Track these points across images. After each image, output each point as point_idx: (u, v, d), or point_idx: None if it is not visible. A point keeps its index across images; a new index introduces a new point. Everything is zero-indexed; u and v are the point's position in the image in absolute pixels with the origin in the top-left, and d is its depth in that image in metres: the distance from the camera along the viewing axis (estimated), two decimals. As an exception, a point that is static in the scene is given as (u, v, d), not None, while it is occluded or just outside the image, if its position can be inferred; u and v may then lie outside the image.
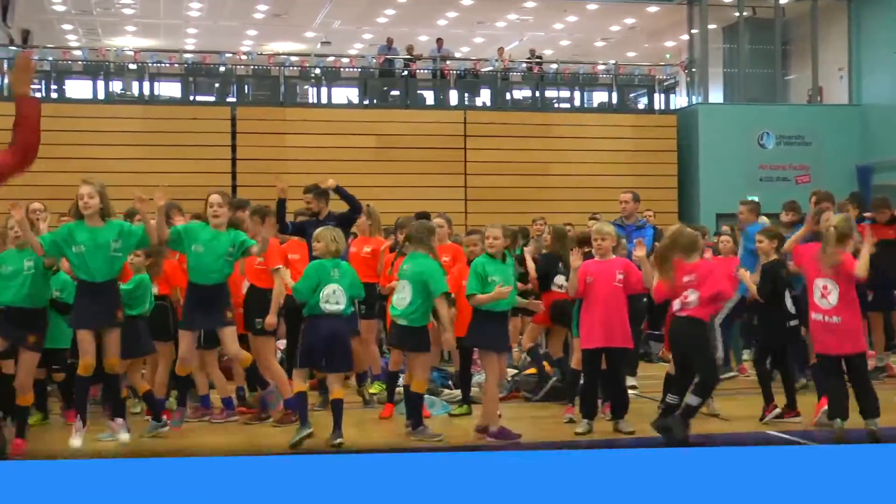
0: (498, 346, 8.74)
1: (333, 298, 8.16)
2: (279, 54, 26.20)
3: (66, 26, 33.58)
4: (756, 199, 14.42)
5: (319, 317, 8.14)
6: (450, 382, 11.00)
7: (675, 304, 8.39)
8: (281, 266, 9.37)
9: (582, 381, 9.27)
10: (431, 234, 8.93)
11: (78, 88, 23.35)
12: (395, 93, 24.20)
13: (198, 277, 8.42)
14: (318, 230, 8.55)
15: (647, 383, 11.61)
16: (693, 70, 25.80)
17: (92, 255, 7.95)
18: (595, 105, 25.84)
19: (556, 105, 25.35)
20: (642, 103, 25.70)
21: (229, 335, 8.50)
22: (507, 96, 24.48)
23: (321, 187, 10.77)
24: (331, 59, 25.79)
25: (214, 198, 8.54)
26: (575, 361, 9.62)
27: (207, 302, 8.39)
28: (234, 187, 21.70)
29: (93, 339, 8.02)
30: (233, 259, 8.49)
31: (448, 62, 25.33)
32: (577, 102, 25.36)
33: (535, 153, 23.26)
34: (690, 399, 8.16)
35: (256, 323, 9.27)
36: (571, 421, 9.39)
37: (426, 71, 25.30)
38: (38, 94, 23.08)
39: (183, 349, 8.59)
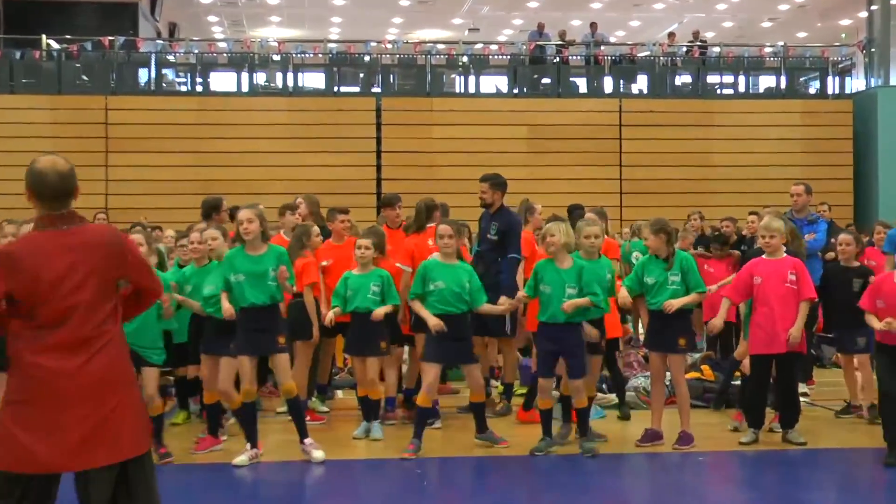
0: (657, 346, 8.81)
1: None
2: (425, 42, 26.45)
3: (212, 18, 34.65)
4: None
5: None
6: (604, 386, 10.95)
7: None
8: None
9: (749, 388, 9.16)
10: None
11: (223, 81, 24.04)
12: (546, 81, 24.14)
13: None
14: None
15: (819, 390, 11.31)
16: (872, 50, 24.94)
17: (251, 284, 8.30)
18: (761, 90, 25.22)
19: (718, 91, 24.87)
20: (814, 88, 24.99)
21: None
22: (666, 83, 24.15)
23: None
24: (479, 46, 25.91)
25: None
26: (743, 366, 9.51)
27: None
28: (378, 180, 22.00)
29: (253, 366, 8.47)
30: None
31: (602, 48, 25.13)
32: (741, 88, 24.81)
33: (696, 143, 22.88)
34: None
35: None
36: (737, 430, 9.27)
37: (579, 57, 25.15)
38: (181, 87, 23.87)
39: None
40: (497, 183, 10.45)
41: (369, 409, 9.33)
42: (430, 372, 8.60)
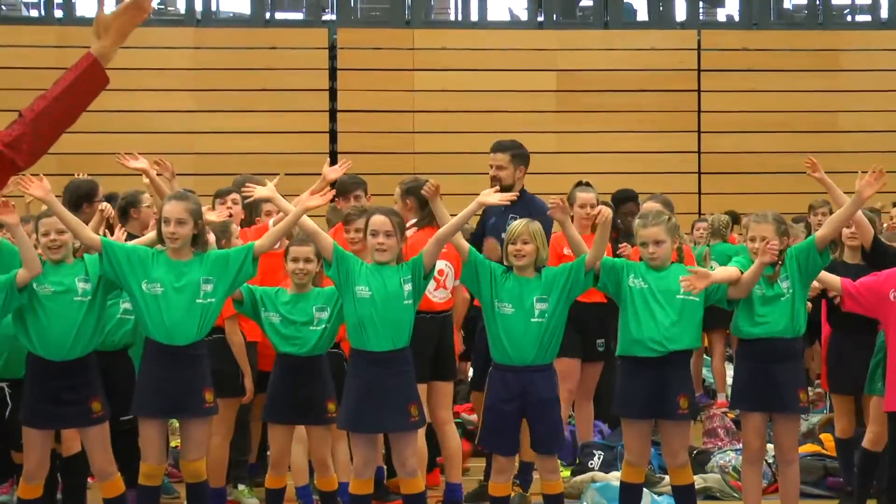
0: (754, 402, 8.97)
1: None
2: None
3: None
4: None
5: None
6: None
7: None
8: None
9: (891, 467, 9.24)
10: None
11: (94, 4, 24.03)
12: (586, 3, 24.17)
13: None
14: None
15: None
16: None
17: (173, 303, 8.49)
18: (914, 18, 25.31)
19: (848, 18, 24.90)
20: None
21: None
22: (769, 6, 24.17)
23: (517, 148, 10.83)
24: (484, -50, 25.98)
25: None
26: (870, 437, 9.64)
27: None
28: (332, 153, 21.98)
29: (160, 433, 8.77)
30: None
31: (672, -48, 25.22)
32: (883, 13, 24.85)
33: (814, 97, 22.93)
34: None
35: None
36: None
37: (636, -32, 25.24)
38: (32, 12, 23.86)
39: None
40: (520, 155, 10.72)
41: None
42: (357, 445, 8.82)
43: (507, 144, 10.77)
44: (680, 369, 8.95)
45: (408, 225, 10.20)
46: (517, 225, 8.92)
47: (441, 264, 9.96)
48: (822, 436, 11.45)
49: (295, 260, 9.13)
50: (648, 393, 8.80)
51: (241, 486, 10.58)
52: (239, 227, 10.48)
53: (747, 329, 8.91)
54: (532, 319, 8.70)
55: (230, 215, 10.32)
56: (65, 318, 8.41)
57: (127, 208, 10.83)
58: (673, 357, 8.84)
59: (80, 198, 10.90)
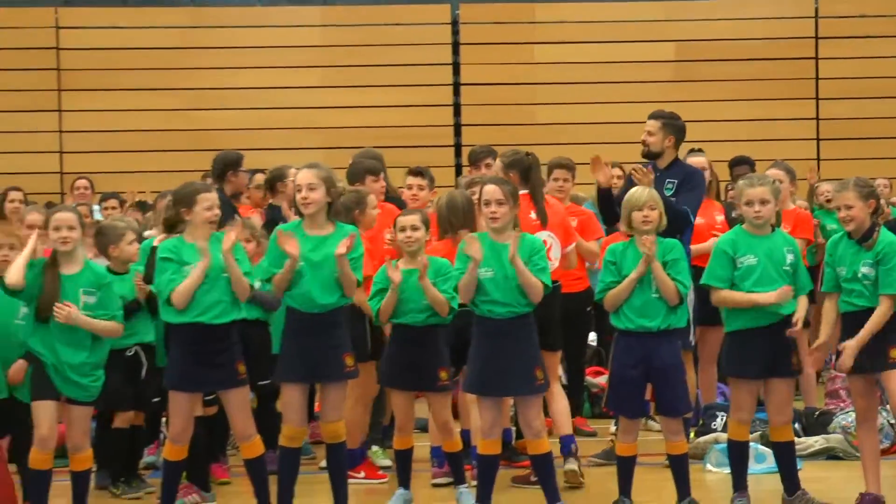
0: (856, 365, 8.97)
1: None
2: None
3: None
4: None
5: None
6: (796, 426, 11.09)
7: None
8: None
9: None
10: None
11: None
12: (703, -27, 24.06)
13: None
14: None
15: None
16: None
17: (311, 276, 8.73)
18: None
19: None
20: None
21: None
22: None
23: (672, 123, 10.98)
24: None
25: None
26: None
27: None
28: (457, 126, 22.12)
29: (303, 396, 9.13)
30: None
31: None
32: None
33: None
34: None
35: None
36: None
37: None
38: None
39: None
40: (671, 125, 10.90)
41: (457, 469, 9.62)
42: (483, 408, 9.06)
43: (661, 113, 10.96)
44: (786, 328, 9.03)
45: None
46: (640, 192, 9.03)
47: (544, 235, 10.02)
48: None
49: (402, 229, 9.28)
50: (764, 353, 8.97)
51: (374, 448, 10.81)
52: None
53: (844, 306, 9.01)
54: (651, 286, 8.88)
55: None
56: (213, 291, 8.66)
57: (274, 182, 11.17)
58: (784, 319, 9.00)
59: (226, 166, 11.31)
